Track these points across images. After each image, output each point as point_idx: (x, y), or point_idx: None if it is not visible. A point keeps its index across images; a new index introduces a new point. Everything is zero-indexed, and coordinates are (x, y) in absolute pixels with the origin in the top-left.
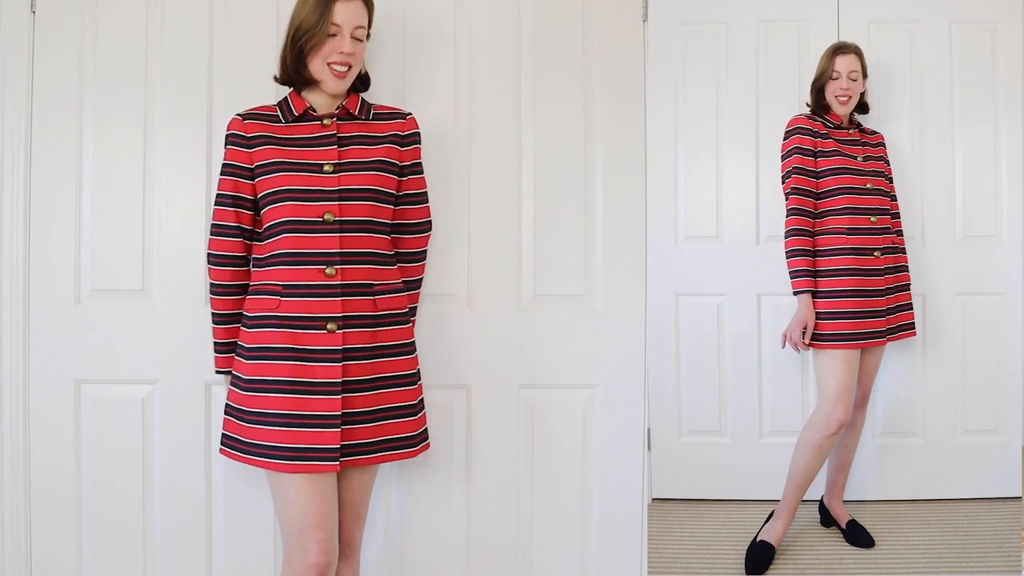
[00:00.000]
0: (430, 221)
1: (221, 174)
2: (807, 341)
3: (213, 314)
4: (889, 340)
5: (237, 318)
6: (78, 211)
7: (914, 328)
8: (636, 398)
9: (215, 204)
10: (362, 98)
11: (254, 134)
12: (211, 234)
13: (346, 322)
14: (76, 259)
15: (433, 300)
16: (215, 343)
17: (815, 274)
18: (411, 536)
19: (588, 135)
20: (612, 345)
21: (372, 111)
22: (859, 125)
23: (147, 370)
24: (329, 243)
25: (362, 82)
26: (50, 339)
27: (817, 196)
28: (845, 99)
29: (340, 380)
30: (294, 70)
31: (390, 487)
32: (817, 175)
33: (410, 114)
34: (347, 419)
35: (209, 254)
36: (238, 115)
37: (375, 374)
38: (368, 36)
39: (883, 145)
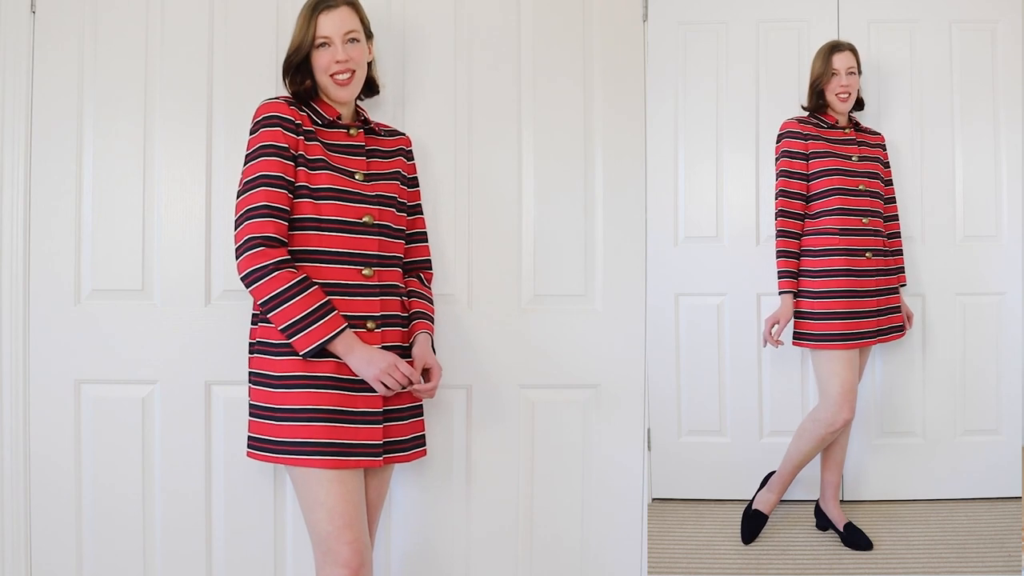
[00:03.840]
0: None
1: (263, 155)
2: (777, 337)
3: (281, 292)
4: (879, 341)
5: (312, 282)
6: (78, 211)
7: (903, 330)
8: (636, 398)
9: (258, 186)
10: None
11: (305, 125)
12: (252, 217)
13: (384, 321)
14: (76, 259)
15: (434, 301)
16: (300, 317)
17: (796, 276)
18: (411, 536)
19: (588, 135)
20: (612, 345)
21: (379, 126)
22: (857, 124)
23: (147, 370)
24: (369, 245)
25: (369, 88)
26: (50, 339)
27: (807, 199)
28: (846, 96)
29: None
30: (300, 81)
31: (390, 487)
32: (807, 177)
33: (405, 133)
34: (385, 416)
35: (254, 237)
36: (281, 99)
37: None
38: (370, 35)
39: (883, 147)
